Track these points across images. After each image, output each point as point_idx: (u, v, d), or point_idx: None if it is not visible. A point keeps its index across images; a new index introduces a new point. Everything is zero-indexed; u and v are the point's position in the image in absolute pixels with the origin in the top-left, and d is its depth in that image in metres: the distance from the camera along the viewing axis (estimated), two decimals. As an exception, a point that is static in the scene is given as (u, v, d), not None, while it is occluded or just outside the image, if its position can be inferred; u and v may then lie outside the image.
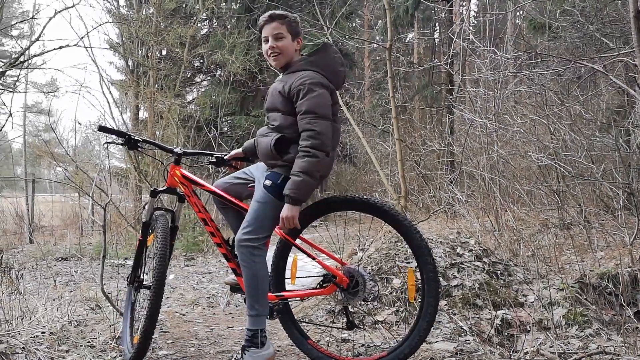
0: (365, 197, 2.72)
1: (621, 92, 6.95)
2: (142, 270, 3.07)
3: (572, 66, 6.36)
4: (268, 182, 2.61)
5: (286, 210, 2.53)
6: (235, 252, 2.68)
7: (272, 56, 2.70)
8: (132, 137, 2.95)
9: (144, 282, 3.03)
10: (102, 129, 2.97)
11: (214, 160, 3.14)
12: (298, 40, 2.74)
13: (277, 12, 2.72)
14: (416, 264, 2.62)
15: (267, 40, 2.70)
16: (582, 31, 7.01)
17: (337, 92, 2.76)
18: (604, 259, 4.52)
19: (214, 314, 4.38)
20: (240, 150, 3.10)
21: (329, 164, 2.67)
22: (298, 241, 2.85)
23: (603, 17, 6.85)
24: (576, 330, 3.21)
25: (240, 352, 2.62)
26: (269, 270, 2.80)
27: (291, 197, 2.50)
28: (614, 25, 6.77)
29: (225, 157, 3.11)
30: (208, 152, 3.27)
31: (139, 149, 3.03)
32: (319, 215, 2.82)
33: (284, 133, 2.59)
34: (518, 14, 14.35)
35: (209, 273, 7.18)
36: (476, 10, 20.48)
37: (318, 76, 2.58)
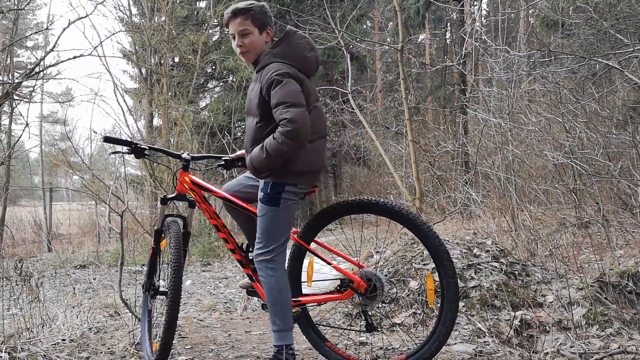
0: (382, 200, 2.70)
1: (637, 88, 6.87)
2: (157, 277, 3.09)
3: (587, 63, 6.30)
4: (261, 195, 2.58)
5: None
6: (251, 259, 2.68)
7: (240, 54, 2.64)
8: (138, 145, 2.93)
9: (160, 289, 3.05)
10: (108, 139, 2.91)
11: (222, 163, 3.12)
12: (267, 32, 2.63)
13: (240, 6, 2.59)
14: (434, 267, 2.60)
15: (234, 37, 2.63)
16: (596, 28, 6.94)
17: (312, 78, 2.67)
18: (623, 258, 4.47)
19: (231, 318, 4.39)
20: (244, 151, 3.08)
21: (319, 151, 2.62)
22: (313, 245, 2.84)
23: (617, 13, 6.77)
24: (597, 330, 3.17)
25: None
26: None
27: (250, 162, 2.55)
28: (628, 21, 6.69)
29: (230, 158, 3.09)
30: (216, 155, 3.25)
31: (146, 156, 3.02)
32: (334, 218, 2.80)
33: (260, 141, 2.53)
34: (530, 12, 14.25)
35: (226, 278, 7.21)
36: (487, 9, 20.36)
37: (284, 66, 2.49)
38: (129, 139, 3.30)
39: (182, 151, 3.06)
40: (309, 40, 2.68)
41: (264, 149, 2.44)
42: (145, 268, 3.15)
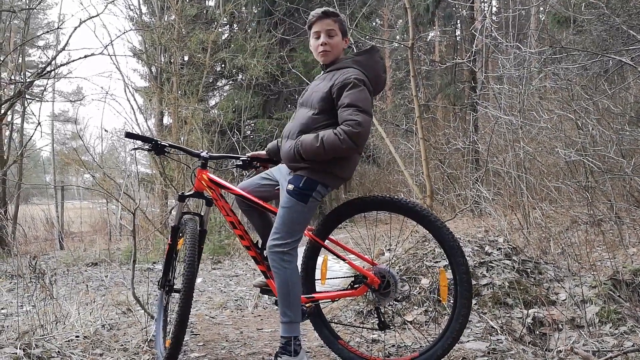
0: (395, 197, 2.70)
1: (650, 85, 6.80)
2: (173, 274, 3.10)
3: (599, 60, 6.25)
4: (290, 187, 2.59)
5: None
6: (266, 256, 2.69)
7: (322, 52, 2.70)
8: (159, 142, 2.96)
9: (175, 286, 3.06)
10: (129, 135, 2.97)
11: (240, 163, 3.14)
12: (346, 40, 2.76)
13: (330, 9, 2.73)
14: (447, 264, 2.60)
15: (318, 36, 2.70)
16: (608, 24, 6.88)
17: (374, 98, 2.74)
18: (636, 255, 4.43)
19: (242, 316, 4.41)
20: (263, 152, 3.09)
21: (355, 163, 2.66)
22: (327, 242, 2.85)
23: (629, 9, 6.71)
24: (610, 327, 3.15)
25: (273, 357, 2.63)
26: (299, 272, 2.80)
27: (296, 146, 2.53)
28: (641, 17, 6.64)
29: (248, 158, 3.12)
30: (234, 155, 3.28)
31: (166, 154, 3.06)
32: (348, 216, 2.81)
33: (310, 132, 2.56)
34: (541, 8, 14.17)
35: (236, 276, 7.23)
36: (498, 6, 20.24)
37: (362, 75, 2.58)
38: (150, 136, 3.32)
39: (201, 149, 3.09)
40: (384, 62, 2.79)
41: (319, 138, 2.47)
42: (162, 265, 3.17)
